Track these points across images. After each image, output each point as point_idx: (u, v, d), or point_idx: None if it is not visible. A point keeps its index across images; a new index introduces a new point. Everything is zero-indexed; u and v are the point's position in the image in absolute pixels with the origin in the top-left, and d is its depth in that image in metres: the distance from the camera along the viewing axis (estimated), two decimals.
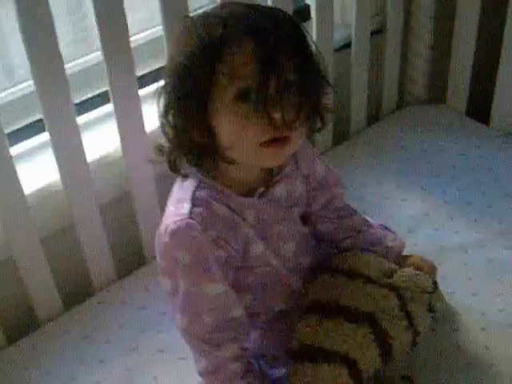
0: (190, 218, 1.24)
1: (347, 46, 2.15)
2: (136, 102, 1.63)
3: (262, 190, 1.33)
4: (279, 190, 1.37)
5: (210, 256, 1.25)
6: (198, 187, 1.28)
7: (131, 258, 1.86)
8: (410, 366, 1.49)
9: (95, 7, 1.47)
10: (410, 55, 2.34)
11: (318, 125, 1.30)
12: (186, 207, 1.25)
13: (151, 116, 1.63)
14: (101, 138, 1.74)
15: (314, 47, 1.23)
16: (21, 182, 1.53)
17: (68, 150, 1.57)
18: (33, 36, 1.40)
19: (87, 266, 1.74)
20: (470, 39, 2.21)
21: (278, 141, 1.18)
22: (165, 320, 1.66)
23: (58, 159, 1.56)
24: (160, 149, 1.30)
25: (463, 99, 2.33)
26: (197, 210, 1.25)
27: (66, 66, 1.51)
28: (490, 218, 1.88)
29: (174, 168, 1.30)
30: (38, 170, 1.67)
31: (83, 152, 1.60)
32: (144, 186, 1.75)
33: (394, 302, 1.41)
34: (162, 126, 1.25)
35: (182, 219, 1.24)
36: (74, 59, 1.80)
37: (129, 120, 1.64)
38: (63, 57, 1.47)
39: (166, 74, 1.22)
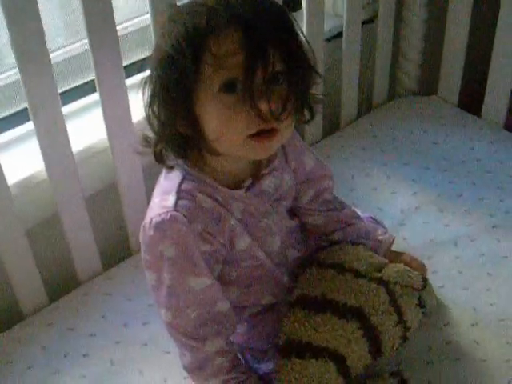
0: (175, 210, 1.22)
1: (338, 35, 2.13)
2: (123, 92, 1.61)
3: (249, 182, 1.31)
4: (267, 183, 1.35)
5: (195, 250, 1.23)
6: (183, 179, 1.26)
7: (117, 249, 1.84)
8: (400, 360, 1.48)
9: None
10: (401, 45, 2.33)
11: (307, 116, 1.28)
12: (171, 199, 1.23)
13: (138, 106, 1.62)
14: (86, 128, 1.72)
15: (302, 36, 1.20)
16: (4, 172, 1.50)
17: (53, 140, 1.54)
18: (17, 23, 1.37)
19: (72, 258, 1.72)
20: (463, 29, 2.19)
21: (265, 133, 1.16)
22: (150, 313, 1.63)
23: (42, 149, 1.54)
24: (147, 140, 1.27)
25: (455, 90, 2.31)
26: (182, 202, 1.23)
27: (52, 54, 1.48)
28: (481, 211, 1.86)
29: (161, 159, 1.27)
30: (22, 159, 1.65)
31: (68, 142, 1.57)
32: (131, 177, 1.72)
33: (384, 296, 1.40)
34: (148, 116, 1.22)
35: (166, 212, 1.22)
36: (60, 48, 1.77)
37: (115, 110, 1.61)
38: (48, 45, 1.45)
39: (152, 63, 1.19)
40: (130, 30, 1.86)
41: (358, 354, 1.35)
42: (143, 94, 1.21)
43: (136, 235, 1.75)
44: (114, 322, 1.65)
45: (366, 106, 2.38)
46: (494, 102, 2.21)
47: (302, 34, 1.21)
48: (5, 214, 1.54)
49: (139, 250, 1.75)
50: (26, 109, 1.51)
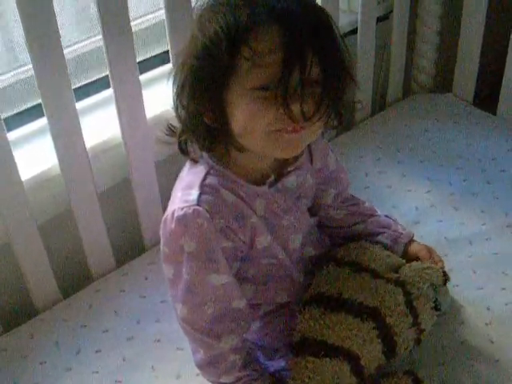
0: (198, 205, 1.21)
1: (353, 32, 2.12)
2: (136, 88, 1.60)
3: (272, 178, 1.31)
4: (291, 181, 1.35)
5: (216, 246, 1.23)
6: (208, 173, 1.25)
7: (130, 245, 1.84)
8: (414, 360, 1.47)
9: None
10: (416, 42, 2.32)
11: (335, 122, 1.26)
12: (194, 194, 1.23)
13: (152, 102, 1.62)
14: (100, 124, 1.72)
15: (341, 41, 1.19)
16: (18, 168, 1.50)
17: (66, 136, 1.54)
18: (32, 19, 1.37)
19: (85, 254, 1.72)
20: (479, 26, 2.17)
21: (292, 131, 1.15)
22: (163, 309, 1.64)
23: (56, 145, 1.53)
24: (171, 129, 1.27)
25: (470, 88, 2.30)
26: (205, 197, 1.23)
27: (66, 50, 1.48)
28: (496, 210, 1.85)
29: (185, 150, 1.27)
30: (35, 155, 1.64)
31: (82, 138, 1.57)
32: (144, 173, 1.72)
33: (400, 298, 1.39)
34: (176, 106, 1.22)
35: (189, 206, 1.21)
36: (74, 43, 1.76)
37: (129, 106, 1.61)
38: (63, 41, 1.45)
39: (186, 53, 1.18)
40: (145, 25, 1.85)
41: (372, 354, 1.34)
42: (173, 83, 1.21)
43: (149, 231, 1.77)
44: (126, 318, 1.64)
45: (380, 103, 2.37)
46: (509, 99, 2.20)
47: (342, 38, 1.19)
48: (18, 209, 1.54)
49: (152, 246, 1.78)
50: (39, 105, 1.51)
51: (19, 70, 1.71)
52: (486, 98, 2.30)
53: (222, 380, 1.34)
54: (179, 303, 1.29)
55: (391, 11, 2.19)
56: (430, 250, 1.58)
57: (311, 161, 1.42)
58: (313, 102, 1.12)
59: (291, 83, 1.10)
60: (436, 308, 1.44)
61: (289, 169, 1.33)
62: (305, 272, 1.47)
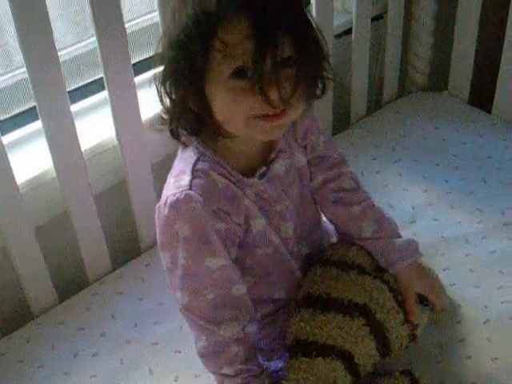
0: (190, 189, 1.22)
1: (348, 32, 2.12)
2: (131, 90, 1.60)
3: (263, 169, 1.32)
4: (277, 167, 1.35)
5: (210, 228, 1.24)
6: (198, 160, 1.26)
7: (127, 248, 1.84)
8: (411, 359, 1.47)
9: None
10: (411, 41, 2.32)
11: (318, 93, 1.27)
12: (185, 179, 1.24)
13: (147, 104, 1.62)
14: (95, 126, 1.71)
15: (311, 19, 1.19)
16: (13, 171, 1.50)
17: (62, 138, 1.54)
18: (25, 21, 1.37)
19: (82, 256, 1.72)
20: (473, 25, 2.18)
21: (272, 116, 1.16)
22: (161, 312, 1.64)
23: (51, 147, 1.53)
24: (162, 119, 1.28)
25: (465, 86, 2.30)
26: (197, 181, 1.24)
27: (60, 52, 1.48)
28: (492, 208, 1.85)
29: (176, 136, 1.29)
30: (31, 158, 1.64)
31: (77, 140, 1.57)
32: (140, 175, 1.72)
33: (388, 294, 1.39)
34: (160, 94, 1.24)
35: (181, 191, 1.22)
36: (69, 46, 1.76)
37: (124, 108, 1.61)
38: (57, 44, 1.45)
39: (163, 44, 1.20)
40: (139, 27, 1.85)
41: (365, 351, 1.34)
42: (156, 80, 1.23)
43: (146, 233, 1.76)
44: (124, 321, 1.64)
45: (375, 102, 2.37)
46: (504, 97, 2.20)
47: (311, 16, 1.20)
48: (14, 213, 1.54)
49: (149, 248, 1.78)
50: (34, 107, 1.50)
51: (13, 73, 1.70)
52: (482, 96, 2.29)
53: (223, 371, 1.34)
54: (178, 290, 1.30)
55: (386, 11, 2.19)
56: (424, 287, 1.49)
57: (296, 139, 1.41)
58: (289, 84, 1.13)
59: (265, 69, 1.10)
60: (422, 303, 1.44)
61: (272, 156, 1.33)
62: (302, 269, 1.46)
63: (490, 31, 2.24)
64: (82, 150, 1.59)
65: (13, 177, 1.50)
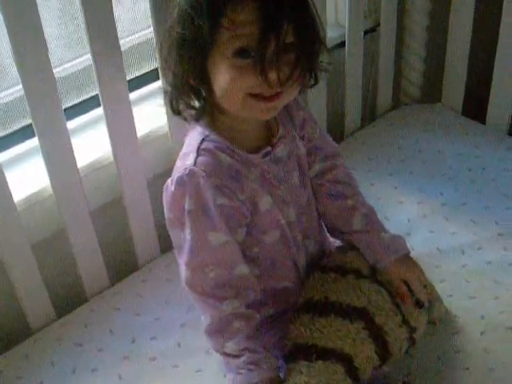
0: (194, 165, 1.27)
1: (341, 45, 2.13)
2: (127, 106, 1.61)
3: (268, 149, 1.36)
4: (280, 150, 1.38)
5: (212, 202, 1.27)
6: (204, 140, 1.31)
7: (124, 263, 1.84)
8: (410, 370, 1.48)
9: (84, 10, 1.44)
10: (404, 54, 2.33)
11: (312, 81, 1.34)
12: (191, 158, 1.29)
13: (142, 120, 1.63)
14: (91, 143, 1.72)
15: (312, 7, 1.25)
16: (10, 188, 1.50)
17: (58, 156, 1.55)
18: (21, 40, 1.38)
19: (79, 272, 1.72)
20: (465, 36, 2.19)
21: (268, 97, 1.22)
22: (158, 327, 1.64)
23: (47, 165, 1.54)
24: (166, 92, 1.33)
25: (459, 98, 2.31)
26: (201, 158, 1.29)
27: (55, 70, 1.48)
28: (487, 219, 1.86)
29: (176, 110, 1.34)
30: (27, 175, 1.65)
31: (73, 157, 1.57)
32: (136, 191, 1.72)
33: (386, 297, 1.40)
34: (163, 68, 1.30)
35: (186, 168, 1.27)
36: (64, 63, 1.77)
37: (119, 124, 1.61)
38: (52, 60, 1.45)
39: (170, 19, 1.24)
40: (133, 44, 1.86)
41: (365, 354, 1.35)
42: (160, 49, 1.29)
43: (142, 248, 1.77)
44: (122, 336, 1.64)
45: (370, 115, 2.38)
46: (497, 108, 2.21)
47: (314, 7, 1.25)
48: (11, 230, 1.54)
49: (146, 263, 1.78)
50: (30, 125, 1.51)
51: (10, 90, 1.71)
52: (475, 107, 2.30)
53: (226, 349, 1.35)
54: (183, 266, 1.33)
55: (378, 24, 2.20)
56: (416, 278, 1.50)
57: (294, 127, 1.45)
58: (288, 68, 1.19)
59: (268, 52, 1.16)
60: (418, 303, 1.45)
61: (274, 140, 1.37)
62: (307, 263, 1.49)
63: (482, 42, 2.25)
64: (79, 166, 1.59)
65: (10, 194, 1.50)
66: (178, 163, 1.32)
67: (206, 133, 1.32)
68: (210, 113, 1.32)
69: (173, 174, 1.31)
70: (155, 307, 1.68)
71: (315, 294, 1.41)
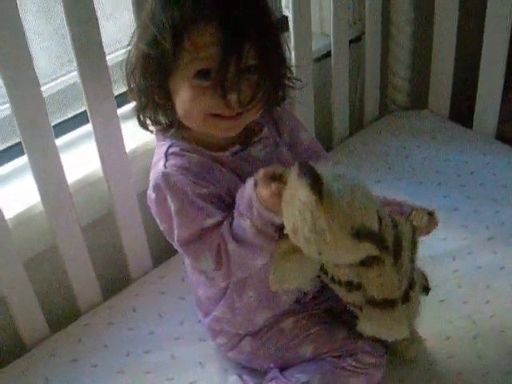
0: (165, 169, 1.28)
1: (327, 55, 2.14)
2: (115, 122, 1.61)
3: (237, 148, 1.35)
4: (257, 150, 1.38)
5: (194, 194, 1.27)
6: (170, 146, 1.32)
7: (116, 278, 1.84)
8: (403, 376, 1.48)
9: (70, 27, 1.45)
10: (390, 61, 2.34)
11: (277, 98, 1.35)
12: (161, 164, 1.30)
13: (131, 135, 1.63)
14: (80, 159, 1.72)
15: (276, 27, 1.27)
16: (1, 206, 1.50)
17: (48, 172, 1.55)
18: (7, 57, 1.38)
19: (72, 288, 1.72)
20: (450, 43, 2.20)
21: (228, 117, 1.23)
22: (152, 340, 1.64)
23: (37, 181, 1.54)
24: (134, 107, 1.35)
25: (446, 103, 2.32)
26: (170, 162, 1.30)
27: (43, 87, 1.49)
28: (477, 224, 1.87)
29: (144, 124, 1.36)
30: (18, 193, 1.65)
31: (63, 174, 1.57)
32: (127, 206, 1.72)
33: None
34: (128, 83, 1.31)
35: (158, 173, 1.28)
36: (52, 80, 1.77)
37: (108, 140, 1.62)
38: (40, 77, 1.46)
39: (137, 35, 1.27)
40: (120, 59, 1.86)
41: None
42: (126, 65, 1.29)
43: (134, 263, 1.77)
44: (116, 351, 1.64)
45: (357, 123, 2.38)
46: (484, 113, 2.23)
47: (275, 25, 1.27)
48: (3, 247, 1.54)
49: (138, 277, 1.79)
50: (19, 143, 1.51)
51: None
52: (462, 112, 2.31)
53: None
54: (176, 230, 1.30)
55: (363, 33, 2.21)
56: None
57: (279, 135, 1.45)
58: (250, 89, 1.21)
59: (229, 75, 1.18)
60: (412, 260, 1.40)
61: (254, 138, 1.38)
62: None
63: (467, 48, 2.27)
64: (69, 182, 1.60)
65: (1, 212, 1.50)
66: (151, 173, 1.33)
67: (173, 141, 1.33)
68: (176, 126, 1.33)
69: (150, 184, 1.32)
70: (149, 321, 1.69)
71: None
